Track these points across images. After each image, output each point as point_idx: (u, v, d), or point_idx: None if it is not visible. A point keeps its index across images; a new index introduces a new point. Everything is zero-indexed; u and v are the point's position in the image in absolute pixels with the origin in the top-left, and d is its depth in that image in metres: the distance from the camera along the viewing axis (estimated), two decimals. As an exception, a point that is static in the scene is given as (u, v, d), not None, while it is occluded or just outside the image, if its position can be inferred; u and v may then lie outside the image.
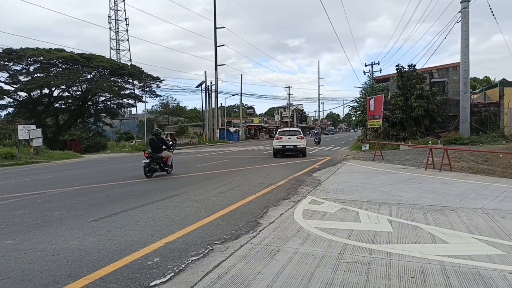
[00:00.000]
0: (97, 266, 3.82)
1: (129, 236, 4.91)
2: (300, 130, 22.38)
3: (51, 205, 7.39)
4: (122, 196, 8.20)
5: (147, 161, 11.91)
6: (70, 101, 38.75)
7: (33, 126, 25.03)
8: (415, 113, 22.08)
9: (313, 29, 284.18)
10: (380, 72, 46.88)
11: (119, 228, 5.35)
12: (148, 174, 11.79)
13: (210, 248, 4.32)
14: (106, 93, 37.58)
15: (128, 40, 66.66)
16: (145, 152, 12.29)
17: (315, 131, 46.10)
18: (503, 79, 28.22)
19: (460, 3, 20.24)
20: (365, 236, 4.66)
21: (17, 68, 33.72)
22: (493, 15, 21.80)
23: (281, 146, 19.29)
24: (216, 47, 47.21)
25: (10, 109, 36.09)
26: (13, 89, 33.50)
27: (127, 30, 66.33)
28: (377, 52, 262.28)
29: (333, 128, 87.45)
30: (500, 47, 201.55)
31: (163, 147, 12.41)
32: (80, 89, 37.61)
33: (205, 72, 46.20)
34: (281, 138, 19.58)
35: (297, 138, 19.30)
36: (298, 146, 19.08)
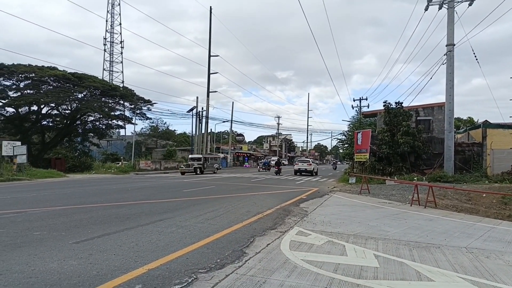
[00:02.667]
0: (76, 291, 3.69)
1: (111, 261, 4.77)
2: (310, 160, 37.51)
3: (32, 224, 7.17)
4: (106, 219, 8.02)
5: (276, 169, 32.30)
6: (58, 119, 38.39)
7: (18, 143, 24.63)
8: (401, 149, 22.48)
9: (301, 63, 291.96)
10: (368, 107, 47.96)
11: (101, 252, 5.21)
12: (276, 175, 29.36)
13: (194, 276, 4.23)
14: (95, 113, 37.40)
15: (122, 62, 67.17)
16: (275, 166, 33.38)
17: (334, 161, 73.77)
18: (486, 120, 29.17)
19: (446, 46, 21.17)
20: (351, 270, 4.63)
21: (7, 83, 33.48)
22: (476, 59, 22.86)
23: (298, 168, 33.50)
24: (209, 74, 47.87)
25: (-4, 124, 35.55)
26: (0, 104, 33.10)
27: (121, 53, 66.94)
28: (364, 88, 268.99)
29: (276, 158, 79.46)
30: (479, 89, 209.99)
31: (281, 164, 34.43)
32: (69, 108, 37.39)
33: (197, 97, 46.61)
34: (298, 163, 34.75)
35: (307, 164, 33.89)
36: (307, 169, 33.15)
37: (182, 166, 34.05)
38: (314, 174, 33.43)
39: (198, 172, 32.03)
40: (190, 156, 36.43)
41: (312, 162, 35.60)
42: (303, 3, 17.75)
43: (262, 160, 52.80)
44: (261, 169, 42.95)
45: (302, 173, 32.79)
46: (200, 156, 34.69)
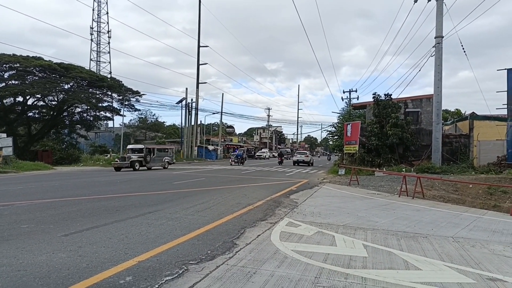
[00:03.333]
0: (66, 283, 3.66)
1: (100, 253, 4.75)
2: (307, 152, 45.59)
3: (19, 217, 7.07)
4: (95, 211, 7.95)
5: (279, 160, 39.41)
6: (44, 110, 37.71)
7: (4, 135, 24.16)
8: (390, 140, 22.71)
9: (291, 55, 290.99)
10: (358, 99, 48.10)
11: (90, 244, 5.17)
12: (280, 165, 35.57)
13: (185, 268, 4.23)
14: (83, 105, 36.79)
15: (109, 52, 66.10)
16: (278, 157, 41.14)
17: (328, 153, 73.44)
18: (473, 112, 29.59)
19: (434, 38, 21.32)
20: (340, 260, 4.69)
21: (-9, 73, 32.72)
22: (464, 51, 23.13)
23: (296, 159, 38.50)
24: (198, 65, 47.46)
25: (-21, 116, 34.73)
26: (-16, 95, 32.33)
27: (109, 43, 65.81)
28: (352, 80, 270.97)
29: (288, 150, 65.99)
30: (466, 82, 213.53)
31: (285, 155, 46.01)
32: (56, 99, 36.72)
33: (186, 89, 46.37)
34: (297, 155, 40.19)
35: (305, 156, 39.60)
36: (305, 160, 38.04)
37: (116, 159, 27.08)
38: (310, 164, 38.52)
39: (137, 167, 24.90)
40: (128, 146, 29.56)
41: (309, 154, 42.87)
42: (294, -6, 17.63)
43: (235, 152, 42.67)
44: (233, 162, 36.00)
45: (300, 163, 37.92)
46: (141, 146, 27.40)
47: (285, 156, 52.54)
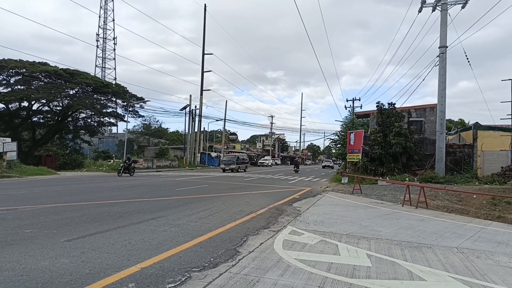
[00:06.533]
0: (68, 289, 3.66)
1: (103, 259, 4.74)
2: (331, 159, 72.38)
3: (22, 222, 7.08)
4: (98, 217, 7.95)
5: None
6: (49, 115, 37.91)
7: (8, 139, 24.30)
8: (393, 149, 22.64)
9: (291, 63, 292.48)
10: (361, 108, 48.03)
11: (93, 250, 5.16)
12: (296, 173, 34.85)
13: (188, 275, 4.22)
14: (87, 110, 36.96)
15: (114, 59, 66.59)
16: (294, 166, 38.19)
17: (339, 161, 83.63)
18: (477, 122, 29.51)
19: (438, 48, 21.35)
20: (344, 269, 4.66)
21: (-3, 78, 32.99)
22: (468, 61, 23.08)
23: (324, 164, 64.18)
24: (203, 72, 47.73)
25: (-16, 120, 34.98)
26: (-10, 100, 32.59)
27: (114, 49, 66.33)
28: (353, 89, 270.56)
29: (244, 156, 45.59)
30: (466, 92, 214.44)
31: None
32: (61, 104, 36.94)
33: (190, 96, 46.37)
34: (325, 162, 68.65)
35: (329, 162, 65.42)
36: (329, 165, 61.73)
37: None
38: (332, 168, 56.24)
39: None
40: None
41: (332, 162, 66.07)
42: (291, 4, 17.77)
43: None
44: None
45: (325, 167, 57.57)
46: None
47: (238, 166, 36.27)
